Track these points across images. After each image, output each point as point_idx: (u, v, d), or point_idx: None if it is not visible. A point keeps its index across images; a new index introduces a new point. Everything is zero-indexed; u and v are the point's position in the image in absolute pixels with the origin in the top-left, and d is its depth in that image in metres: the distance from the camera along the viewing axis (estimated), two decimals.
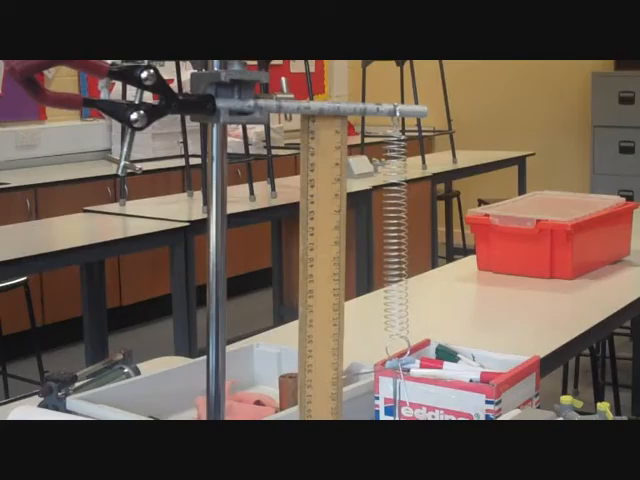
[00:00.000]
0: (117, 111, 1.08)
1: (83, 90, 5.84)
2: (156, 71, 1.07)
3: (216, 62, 1.10)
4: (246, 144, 4.35)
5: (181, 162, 4.74)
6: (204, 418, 1.25)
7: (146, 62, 1.08)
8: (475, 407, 1.49)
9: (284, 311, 4.86)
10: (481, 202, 5.66)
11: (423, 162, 5.24)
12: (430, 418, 1.51)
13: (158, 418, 1.60)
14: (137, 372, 1.76)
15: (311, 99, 4.75)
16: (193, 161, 4.41)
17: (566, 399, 1.46)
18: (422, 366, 1.58)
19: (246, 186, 4.21)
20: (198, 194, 4.26)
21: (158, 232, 3.73)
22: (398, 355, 1.53)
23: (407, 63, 5.21)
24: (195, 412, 1.67)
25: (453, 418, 1.50)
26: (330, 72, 7.75)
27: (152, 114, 1.08)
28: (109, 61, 1.05)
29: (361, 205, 4.56)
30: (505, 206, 2.86)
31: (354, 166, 4.81)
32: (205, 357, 1.15)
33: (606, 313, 2.31)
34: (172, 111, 1.09)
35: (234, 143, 4.80)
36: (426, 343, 1.70)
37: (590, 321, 2.24)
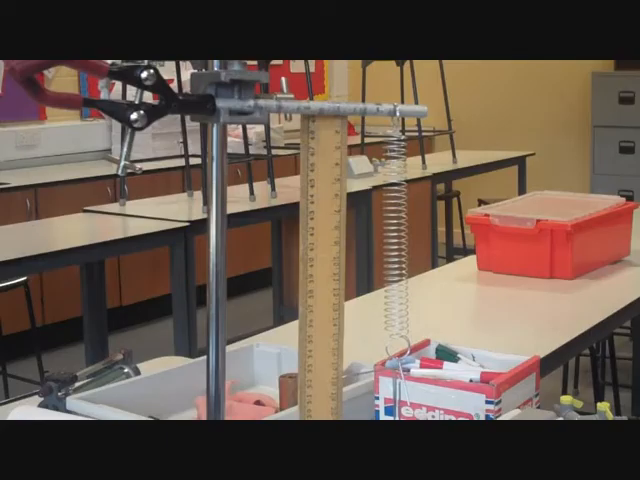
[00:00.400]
0: (117, 111, 1.08)
1: (83, 90, 5.84)
2: (156, 71, 1.07)
3: (216, 62, 1.10)
4: (246, 144, 4.35)
5: (181, 162, 4.74)
6: (204, 418, 1.25)
7: (146, 62, 1.08)
8: (475, 407, 1.49)
9: (284, 311, 4.86)
10: (481, 202, 5.66)
11: (423, 162, 5.24)
12: (430, 418, 1.51)
13: (158, 418, 1.60)
14: (137, 372, 1.76)
15: (311, 99, 4.75)
16: (193, 161, 4.41)
17: (566, 399, 1.46)
18: (422, 366, 1.58)
19: (246, 186, 4.21)
20: (198, 194, 4.26)
21: (158, 232, 3.73)
22: (398, 355, 1.53)
23: (407, 63, 5.21)
24: (195, 412, 1.67)
25: (453, 418, 1.50)
26: (330, 72, 7.75)
27: (152, 114, 1.08)
28: (109, 61, 1.05)
29: (361, 205, 4.56)
30: (505, 206, 2.86)
31: (354, 166, 4.81)
32: (205, 357, 1.15)
33: (606, 313, 2.31)
34: (172, 111, 1.09)
35: (234, 143, 4.80)
36: (426, 343, 1.70)
37: (590, 321, 2.24)
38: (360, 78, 5.32)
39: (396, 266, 1.28)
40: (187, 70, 4.58)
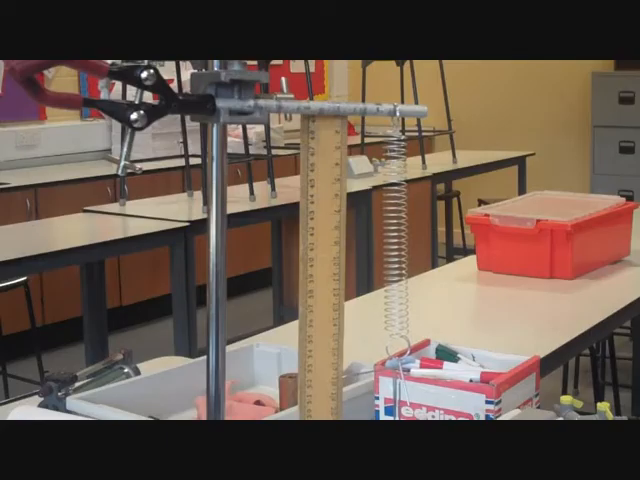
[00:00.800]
0: (117, 111, 1.08)
1: (83, 90, 5.84)
2: (156, 71, 1.07)
3: (216, 62, 1.10)
4: (246, 144, 4.35)
5: (181, 162, 4.74)
6: (204, 418, 1.25)
7: (146, 62, 1.08)
8: (475, 407, 1.49)
9: (284, 311, 4.86)
10: (481, 202, 5.66)
11: (423, 162, 5.24)
12: (430, 418, 1.51)
13: (158, 418, 1.60)
14: (137, 372, 1.76)
15: (311, 99, 4.75)
16: (193, 161, 4.41)
17: (566, 399, 1.46)
18: (422, 366, 1.58)
19: (246, 186, 4.21)
20: (198, 194, 4.26)
21: (158, 232, 3.73)
22: (398, 355, 1.53)
23: (407, 63, 5.21)
24: (195, 412, 1.67)
25: (453, 418, 1.50)
26: (330, 72, 7.75)
27: (152, 114, 1.08)
28: (109, 61, 1.05)
29: (361, 205, 4.56)
30: (505, 206, 2.86)
31: (354, 166, 4.81)
32: (205, 357, 1.15)
33: (606, 313, 2.31)
34: (172, 111, 1.09)
35: (234, 143, 4.80)
36: (426, 343, 1.70)
37: (590, 321, 2.24)
38: (360, 78, 5.32)
39: (396, 266, 1.28)
40: (187, 70, 4.58)
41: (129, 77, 1.07)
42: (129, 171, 1.42)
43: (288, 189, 4.48)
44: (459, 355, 1.67)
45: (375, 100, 1.20)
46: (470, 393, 1.49)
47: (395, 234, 1.28)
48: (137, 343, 4.96)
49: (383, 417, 1.56)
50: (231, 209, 3.78)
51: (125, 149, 1.29)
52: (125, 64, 1.07)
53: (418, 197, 4.89)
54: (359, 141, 5.45)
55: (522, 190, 5.89)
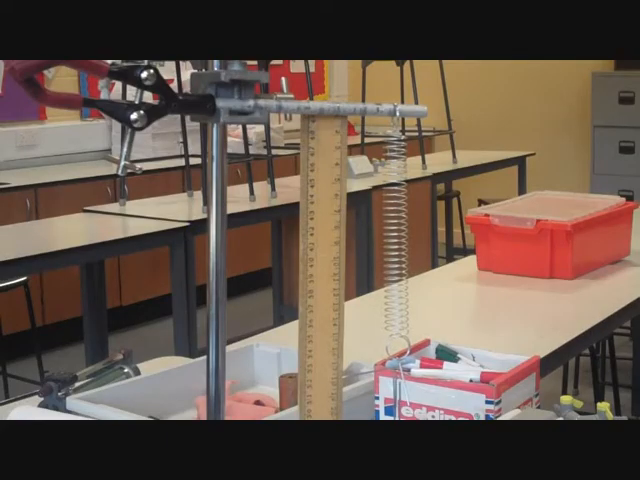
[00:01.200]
0: (117, 111, 1.08)
1: (83, 90, 5.84)
2: (156, 71, 1.07)
3: (216, 62, 1.10)
4: (246, 144, 4.35)
5: (181, 162, 4.74)
6: (204, 418, 1.25)
7: (146, 62, 1.08)
8: (475, 407, 1.49)
9: (284, 311, 4.86)
10: (481, 202, 5.66)
11: (423, 162, 5.24)
12: (430, 418, 1.51)
13: (158, 418, 1.60)
14: (137, 372, 1.76)
15: (311, 99, 4.75)
16: (193, 161, 4.41)
17: (566, 399, 1.46)
18: (422, 366, 1.58)
19: (246, 186, 4.21)
20: (198, 194, 4.26)
21: (158, 232, 3.73)
22: (398, 355, 1.53)
23: (407, 63, 5.21)
24: (195, 412, 1.67)
25: (453, 418, 1.50)
26: (330, 72, 7.75)
27: (152, 114, 1.08)
28: (109, 61, 1.05)
29: (361, 205, 4.56)
30: (505, 206, 2.86)
31: (354, 166, 4.81)
32: (205, 357, 1.15)
33: (606, 313, 2.31)
34: (172, 111, 1.09)
35: (234, 143, 4.80)
36: (426, 343, 1.70)
37: (590, 321, 2.24)
38: (360, 78, 5.32)
39: (396, 266, 1.28)
40: (187, 70, 4.58)
41: (129, 77, 1.07)
42: (129, 171, 1.42)
43: (288, 189, 4.48)
44: (459, 355, 1.67)
45: (375, 100, 1.20)
46: (470, 393, 1.49)
47: (395, 234, 1.28)
48: (137, 343, 4.96)
49: (383, 417, 1.56)
50: (231, 209, 3.78)
51: (125, 149, 1.29)
52: (125, 64, 1.07)
53: (418, 197, 4.89)
54: (359, 141, 5.45)
55: (522, 190, 5.89)
